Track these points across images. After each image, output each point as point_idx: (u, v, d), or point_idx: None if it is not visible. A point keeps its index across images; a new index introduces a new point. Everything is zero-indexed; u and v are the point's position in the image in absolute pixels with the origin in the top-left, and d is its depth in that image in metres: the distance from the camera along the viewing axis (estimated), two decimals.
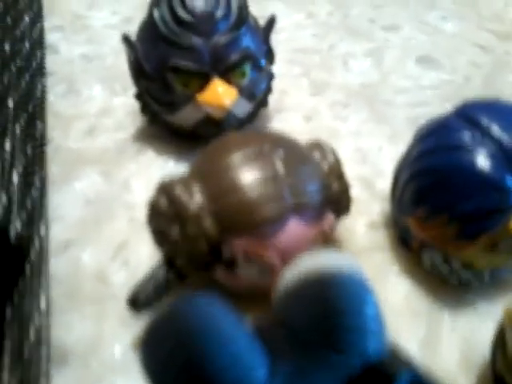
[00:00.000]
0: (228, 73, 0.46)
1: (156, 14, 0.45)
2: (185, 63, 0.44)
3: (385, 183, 0.46)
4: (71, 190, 0.47)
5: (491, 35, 0.64)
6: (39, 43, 0.61)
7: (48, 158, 0.49)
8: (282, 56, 0.54)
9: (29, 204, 0.43)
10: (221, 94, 0.45)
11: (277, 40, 0.56)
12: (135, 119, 0.52)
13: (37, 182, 0.46)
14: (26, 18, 0.65)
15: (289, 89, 0.55)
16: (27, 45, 0.61)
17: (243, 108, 0.48)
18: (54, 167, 0.48)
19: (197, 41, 0.45)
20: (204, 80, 0.45)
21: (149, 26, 0.46)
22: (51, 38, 0.63)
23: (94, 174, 0.48)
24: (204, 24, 0.45)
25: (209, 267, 0.34)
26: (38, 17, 0.65)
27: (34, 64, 0.58)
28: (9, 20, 0.62)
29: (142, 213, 0.40)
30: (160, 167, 0.49)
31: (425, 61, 0.60)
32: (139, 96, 0.49)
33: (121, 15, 0.66)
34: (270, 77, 0.50)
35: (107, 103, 0.54)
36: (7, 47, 0.58)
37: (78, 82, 0.57)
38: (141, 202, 0.43)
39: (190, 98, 0.46)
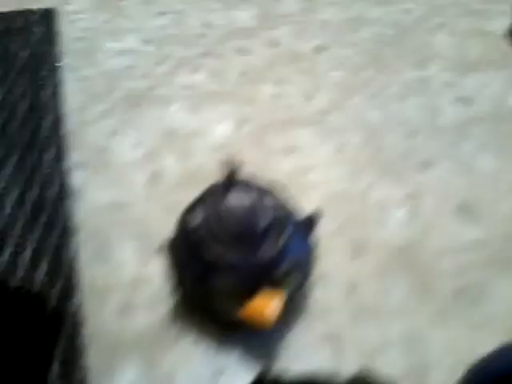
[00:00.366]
0: (273, 285, 0.43)
1: (190, 225, 0.43)
2: (224, 284, 0.43)
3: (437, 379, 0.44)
4: None
5: None
6: (64, 189, 0.58)
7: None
8: (315, 205, 0.51)
9: None
10: (263, 313, 0.43)
11: (306, 183, 0.57)
12: (172, 291, 0.50)
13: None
14: (49, 156, 0.61)
15: (325, 252, 0.52)
16: (53, 192, 0.57)
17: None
18: (93, 356, 0.46)
19: (237, 260, 0.42)
20: (246, 296, 0.43)
21: (183, 236, 0.44)
22: (75, 179, 0.59)
23: (133, 366, 0.46)
24: (245, 240, 0.43)
25: None
26: (61, 153, 0.61)
27: (61, 217, 0.55)
28: (29, 163, 0.59)
29: None
30: (202, 358, 0.47)
31: (464, 211, 0.59)
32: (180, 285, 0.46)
33: (144, 148, 0.63)
34: (312, 264, 0.48)
35: (141, 269, 0.52)
36: (33, 196, 0.55)
37: (107, 240, 0.54)
38: None
39: (232, 310, 0.44)
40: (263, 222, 0.42)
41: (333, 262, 0.54)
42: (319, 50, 0.75)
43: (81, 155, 0.63)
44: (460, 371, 0.41)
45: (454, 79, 0.73)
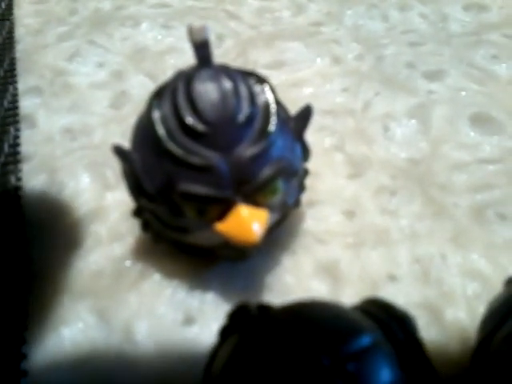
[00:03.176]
0: (255, 194, 0.33)
1: (156, 116, 0.33)
2: (199, 189, 0.32)
3: (456, 313, 0.37)
4: (59, 344, 0.36)
5: None
6: (12, 114, 0.49)
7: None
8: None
9: None
10: (248, 224, 0.33)
11: (300, 97, 0.49)
12: (133, 224, 0.42)
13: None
14: None
15: (321, 169, 0.43)
16: None
17: (272, 220, 0.36)
18: (36, 305, 0.38)
19: (213, 157, 0.32)
20: (224, 206, 0.33)
21: (148, 133, 0.33)
22: (27, 104, 0.50)
23: (86, 314, 0.38)
24: (222, 134, 0.32)
25: None
26: (10, 76, 0.52)
27: (6, 146, 0.46)
28: None
29: None
30: (170, 302, 0.39)
31: (480, 121, 0.49)
32: (138, 213, 0.37)
33: (109, 68, 0.53)
34: (305, 175, 0.38)
35: (98, 201, 0.43)
36: None
37: (60, 170, 0.45)
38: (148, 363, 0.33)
39: (206, 225, 0.34)
40: (245, 110, 0.33)
41: (330, 182, 0.46)
42: None
43: (35, 79, 0.54)
44: (484, 299, 0.35)
45: None
